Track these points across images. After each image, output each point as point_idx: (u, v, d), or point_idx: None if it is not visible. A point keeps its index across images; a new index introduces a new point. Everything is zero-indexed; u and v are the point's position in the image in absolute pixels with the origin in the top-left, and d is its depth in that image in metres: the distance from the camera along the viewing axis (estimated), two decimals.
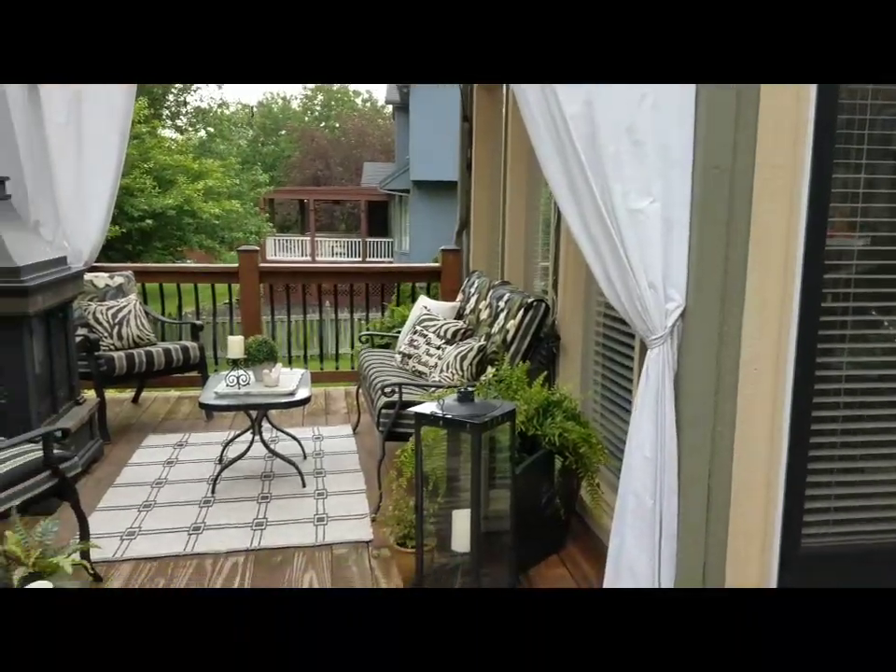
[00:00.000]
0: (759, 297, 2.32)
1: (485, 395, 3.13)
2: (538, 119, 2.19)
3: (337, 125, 36.53)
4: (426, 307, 4.48)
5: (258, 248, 5.68)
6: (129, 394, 5.62)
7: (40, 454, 2.73)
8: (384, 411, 3.46)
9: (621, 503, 2.36)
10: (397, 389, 3.42)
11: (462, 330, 4.21)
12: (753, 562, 2.44)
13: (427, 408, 2.66)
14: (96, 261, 5.54)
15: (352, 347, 6.08)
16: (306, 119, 37.85)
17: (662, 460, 2.27)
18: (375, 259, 26.71)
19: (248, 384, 3.93)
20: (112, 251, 14.81)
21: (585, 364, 3.51)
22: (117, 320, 4.90)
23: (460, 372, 3.56)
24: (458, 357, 3.58)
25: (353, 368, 6.14)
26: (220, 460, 4.19)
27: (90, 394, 4.52)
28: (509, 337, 3.51)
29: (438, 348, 4.03)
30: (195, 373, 5.10)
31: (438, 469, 2.85)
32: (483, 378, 3.59)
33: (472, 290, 4.48)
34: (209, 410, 3.70)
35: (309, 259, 26.52)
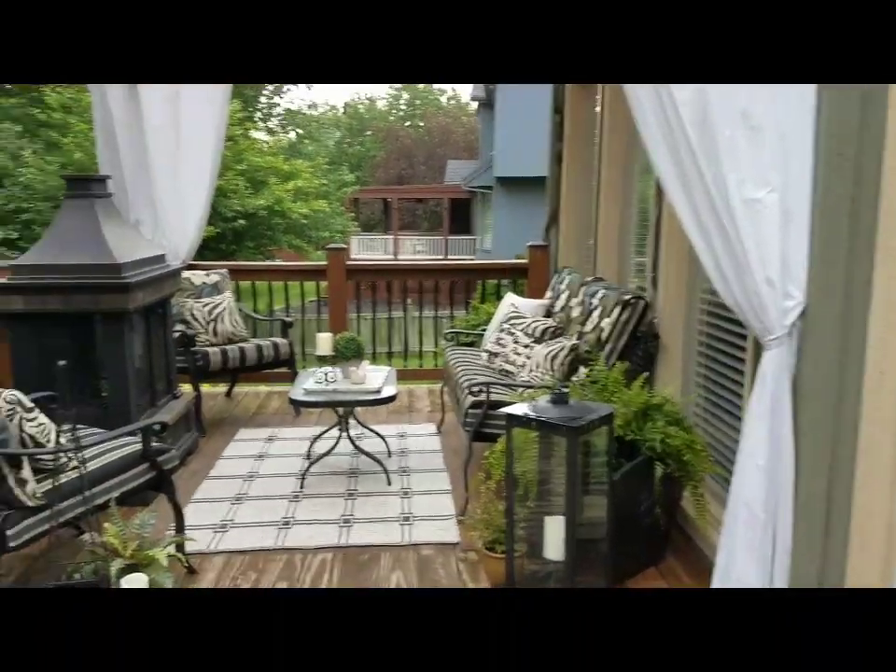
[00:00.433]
0: (886, 294, 2.11)
1: (580, 396, 3.01)
2: (644, 104, 2.07)
3: (421, 124, 36.81)
4: (513, 305, 4.39)
5: (345, 246, 5.74)
6: (222, 388, 5.77)
7: (139, 446, 2.80)
8: (470, 410, 3.39)
9: (730, 515, 2.20)
10: (484, 389, 3.35)
11: (551, 329, 4.08)
12: (874, 585, 2.23)
13: (519, 409, 2.57)
14: (193, 259, 5.74)
15: (435, 345, 6.05)
16: (391, 118, 38.31)
17: (776, 470, 2.10)
18: (457, 257, 26.80)
19: (336, 380, 3.94)
20: (207, 250, 15.35)
21: (686, 365, 3.33)
22: (212, 317, 5.03)
23: (551, 372, 3.45)
24: (549, 357, 3.47)
25: (436, 366, 6.12)
26: (308, 455, 4.23)
27: (186, 388, 4.66)
28: (604, 336, 3.37)
29: (526, 347, 3.92)
30: (285, 369, 5.18)
31: (528, 473, 2.75)
32: (574, 378, 3.46)
33: (562, 287, 4.35)
34: (298, 406, 3.73)
35: (391, 257, 26.85)
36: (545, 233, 5.91)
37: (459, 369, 4.03)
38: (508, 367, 3.97)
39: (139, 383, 3.83)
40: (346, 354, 3.95)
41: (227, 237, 15.52)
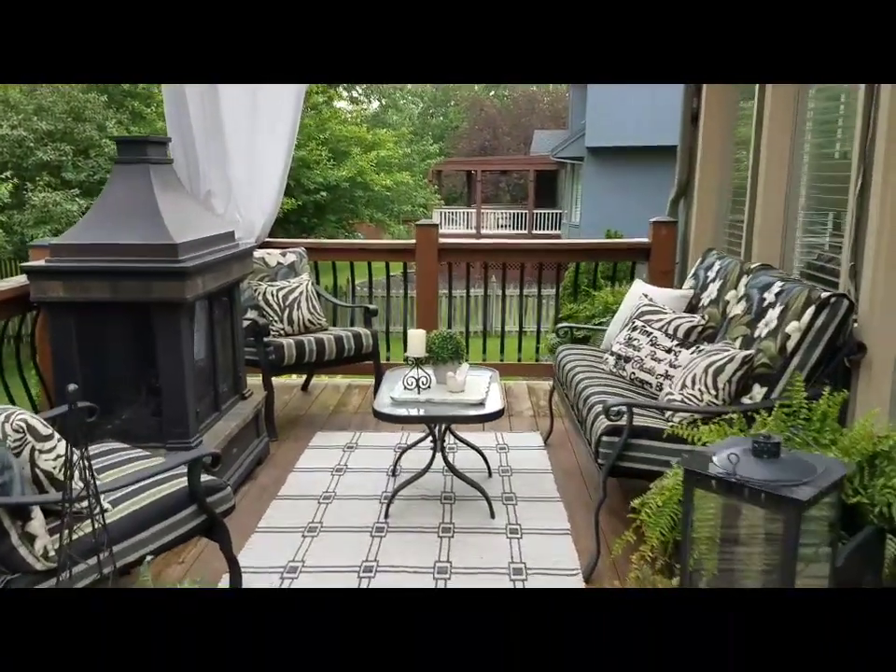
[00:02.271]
0: None
1: (785, 441, 2.19)
2: None
3: (506, 93, 35.58)
4: (645, 295, 3.56)
5: (436, 223, 5.02)
6: (298, 380, 5.20)
7: (184, 484, 2.18)
8: (605, 438, 2.62)
9: None
10: (626, 411, 2.57)
11: (699, 329, 3.25)
12: None
13: (701, 461, 1.80)
14: (269, 237, 5.15)
15: (519, 325, 5.25)
16: (476, 88, 37.20)
17: None
18: (542, 233, 25.74)
19: (429, 386, 3.25)
20: (288, 224, 15.02)
21: None
22: (287, 303, 4.42)
23: (713, 391, 2.63)
24: (711, 370, 2.65)
25: (537, 360, 5.35)
26: (394, 471, 3.57)
27: (256, 381, 4.08)
28: (790, 345, 2.52)
29: (668, 351, 3.11)
30: (367, 363, 4.53)
31: (703, 541, 1.98)
32: (745, 400, 2.64)
33: (711, 275, 3.49)
34: (384, 419, 3.04)
35: (474, 231, 26.07)
36: (671, 207, 5.01)
37: (581, 377, 3.25)
38: (643, 375, 3.16)
39: (199, 384, 3.24)
40: (443, 355, 3.24)
41: (308, 210, 15.10)
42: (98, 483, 2.06)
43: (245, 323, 4.14)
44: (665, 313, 3.39)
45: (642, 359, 3.19)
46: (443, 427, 3.21)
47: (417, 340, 3.21)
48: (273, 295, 4.42)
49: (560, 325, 3.99)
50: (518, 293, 5.29)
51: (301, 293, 4.50)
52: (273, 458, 3.85)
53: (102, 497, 2.03)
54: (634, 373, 3.21)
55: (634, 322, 3.38)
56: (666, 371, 3.06)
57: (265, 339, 4.13)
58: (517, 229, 26.55)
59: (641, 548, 2.13)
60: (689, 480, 1.77)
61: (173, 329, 2.97)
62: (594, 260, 5.09)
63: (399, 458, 3.61)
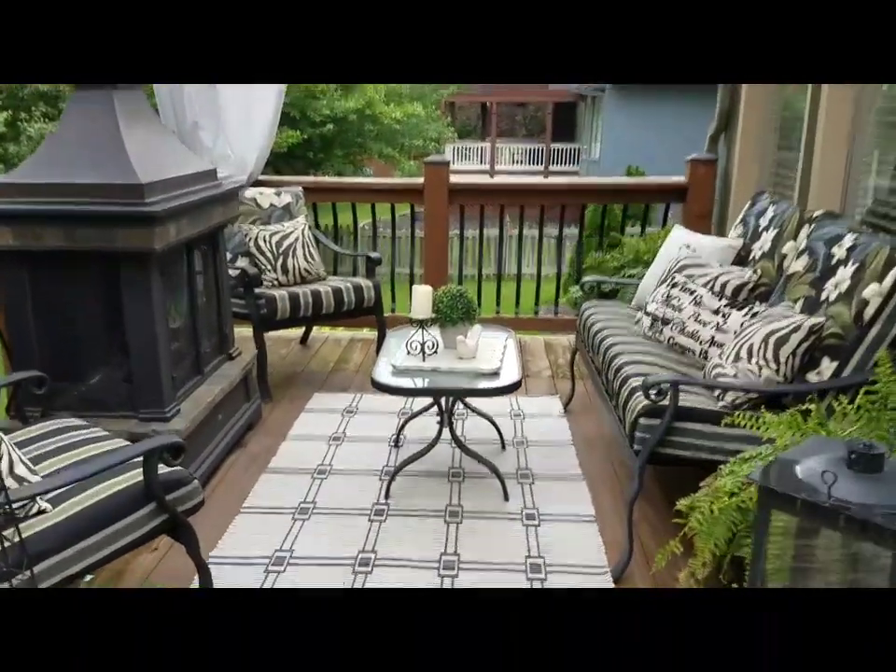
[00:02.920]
0: None
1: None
2: None
3: None
4: (687, 246, 3.11)
5: (447, 159, 4.53)
6: (297, 332, 4.81)
7: (139, 478, 1.81)
8: (643, 421, 2.23)
9: None
10: (669, 389, 2.16)
11: (750, 286, 2.82)
12: None
13: (780, 473, 1.41)
14: (263, 173, 4.69)
15: (538, 265, 4.80)
16: None
17: None
18: (559, 169, 24.87)
19: (436, 351, 2.85)
20: (293, 159, 14.39)
21: None
22: (282, 249, 4.00)
23: (773, 365, 2.22)
24: (773, 340, 2.23)
25: (556, 312, 4.93)
26: (397, 441, 3.22)
27: (245, 334, 3.70)
28: (868, 313, 2.09)
29: (715, 312, 2.68)
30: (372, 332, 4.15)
31: (770, 559, 1.61)
32: (811, 377, 2.22)
33: (763, 222, 3.03)
34: (385, 392, 2.66)
35: (488, 167, 25.24)
36: (710, 143, 4.49)
37: (612, 341, 2.84)
38: (684, 341, 2.75)
39: (177, 346, 2.87)
40: (452, 316, 2.83)
41: (314, 144, 14.42)
42: (35, 476, 1.70)
43: (234, 273, 3.74)
44: (710, 266, 2.96)
45: (684, 322, 2.77)
46: (451, 399, 2.83)
47: (423, 298, 2.80)
48: (265, 240, 4.00)
49: (585, 278, 3.55)
50: (537, 234, 4.82)
51: (296, 239, 4.07)
52: (266, 423, 3.50)
53: (39, 496, 1.67)
54: (673, 338, 2.80)
55: (673, 277, 2.94)
56: (713, 337, 2.64)
57: (256, 290, 3.73)
58: (533, 164, 25.65)
59: (690, 562, 1.77)
60: (766, 499, 1.38)
61: (141, 283, 2.58)
62: (622, 202, 4.60)
63: (403, 427, 3.25)
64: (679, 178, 4.44)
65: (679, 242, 3.24)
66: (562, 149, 25.20)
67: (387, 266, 4.96)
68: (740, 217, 3.30)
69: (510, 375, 2.68)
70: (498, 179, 5.04)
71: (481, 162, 25.78)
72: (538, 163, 25.52)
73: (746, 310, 2.61)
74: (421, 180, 4.51)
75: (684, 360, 2.70)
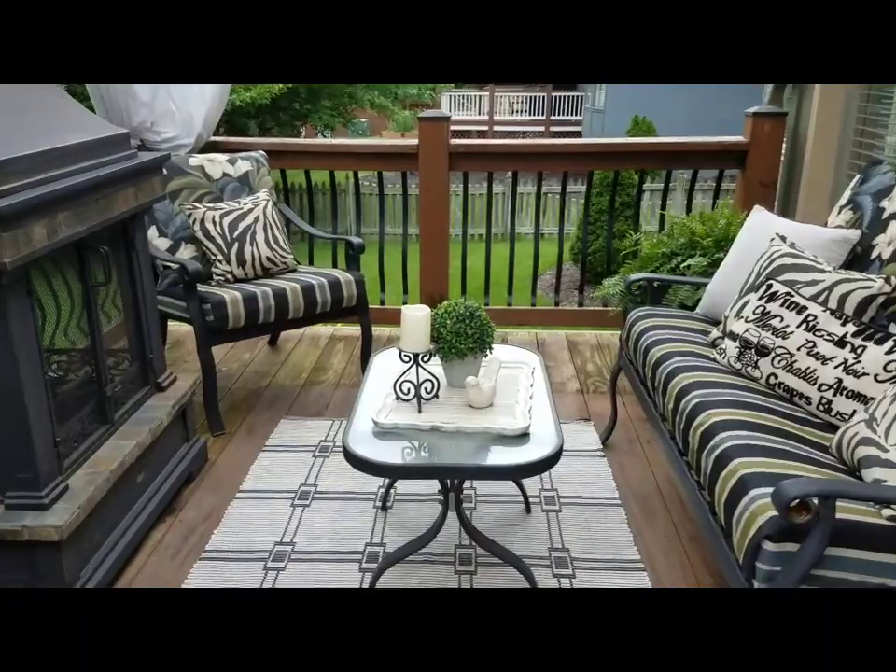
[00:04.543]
0: None
1: None
2: None
3: None
4: (781, 237, 2.23)
5: (447, 115, 3.59)
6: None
7: None
8: (770, 546, 1.39)
9: None
10: (819, 506, 1.32)
11: (880, 300, 1.97)
12: None
13: None
14: (222, 134, 3.76)
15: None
16: None
17: None
18: (561, 118, 23.65)
19: (437, 395, 2.01)
20: (277, 111, 13.30)
21: None
22: (237, 233, 3.12)
23: None
24: None
25: (580, 302, 4.06)
26: (384, 503, 2.40)
27: (189, 346, 2.87)
28: None
29: (841, 344, 1.83)
30: (356, 328, 3.29)
31: None
32: None
33: (890, 207, 2.15)
34: (363, 469, 1.80)
35: (486, 118, 24.02)
36: (773, 94, 3.57)
37: (685, 381, 1.99)
38: (794, 383, 1.90)
39: (64, 390, 2.03)
40: (458, 347, 1.98)
41: (300, 94, 13.30)
42: None
43: (172, 268, 2.87)
44: (819, 269, 2.09)
45: (791, 354, 1.91)
46: (460, 481, 1.97)
47: (417, 324, 1.93)
48: (215, 223, 3.11)
49: (634, 276, 2.66)
50: (559, 193, 3.90)
51: (256, 219, 3.19)
52: (212, 471, 2.67)
53: None
54: (775, 376, 1.95)
55: (769, 284, 2.07)
56: (840, 382, 1.80)
57: (201, 290, 2.86)
58: (533, 115, 24.42)
59: None
60: None
61: None
62: (662, 168, 3.69)
63: (393, 483, 2.43)
64: (738, 138, 3.52)
65: (766, 229, 2.36)
66: (563, 98, 23.92)
67: (372, 227, 4.02)
68: (846, 196, 2.42)
69: (546, 438, 1.83)
70: (510, 140, 4.16)
71: (479, 112, 24.51)
72: (538, 113, 24.28)
73: (890, 344, 1.76)
74: (415, 141, 3.59)
75: (797, 412, 1.86)
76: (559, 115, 23.78)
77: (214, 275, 3.08)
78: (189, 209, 3.12)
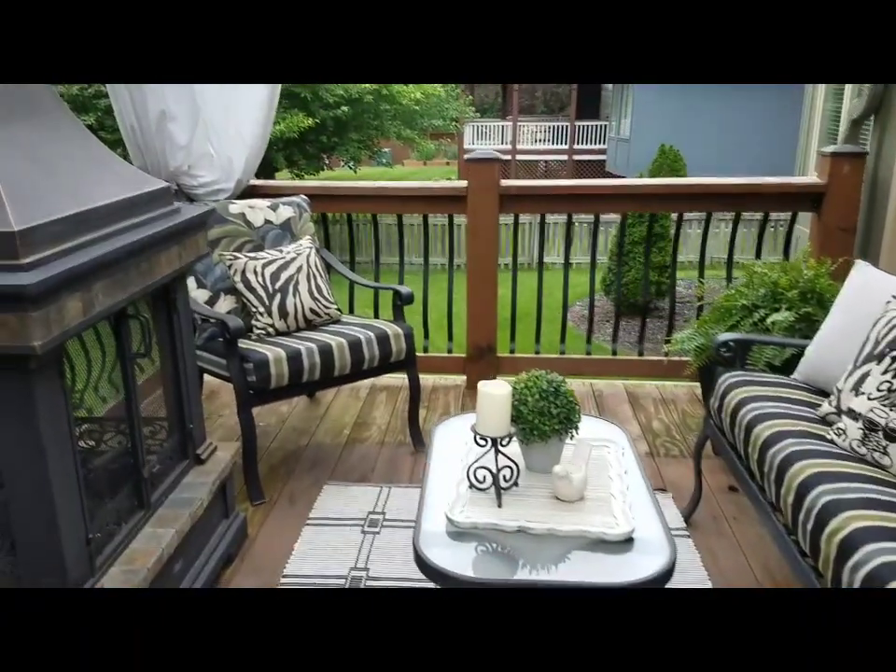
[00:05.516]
0: None
1: None
2: None
3: None
4: None
5: (498, 157, 3.39)
6: None
7: None
8: None
9: None
10: None
11: None
12: None
13: None
14: (257, 176, 3.59)
15: (615, 317, 3.62)
16: None
17: None
18: (584, 147, 23.56)
19: (516, 483, 1.77)
20: (305, 143, 13.27)
21: None
22: (279, 284, 2.92)
23: None
24: None
25: (640, 352, 3.80)
26: None
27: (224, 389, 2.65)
28: None
29: None
30: (398, 375, 3.06)
31: None
32: None
33: None
34: (438, 579, 1.55)
35: (510, 147, 23.97)
36: (851, 129, 3.33)
37: (801, 467, 1.72)
38: None
39: (95, 478, 1.81)
40: (542, 428, 1.74)
41: (328, 128, 13.25)
42: None
43: (210, 323, 2.67)
44: None
45: None
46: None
47: (495, 403, 1.69)
48: (256, 273, 2.91)
49: (724, 336, 2.39)
50: (591, 223, 3.68)
51: (299, 268, 2.98)
52: (252, 550, 2.43)
53: None
54: None
55: (895, 356, 1.81)
56: None
57: (241, 346, 2.65)
58: (556, 143, 24.37)
59: None
60: None
61: (14, 402, 1.50)
62: (735, 210, 3.44)
63: None
64: (813, 179, 3.28)
65: (874, 288, 2.11)
66: (586, 127, 23.84)
67: (414, 256, 3.79)
68: None
69: (655, 546, 1.57)
70: (564, 182, 3.96)
71: (502, 142, 24.49)
72: (561, 142, 24.22)
73: None
74: (463, 184, 3.38)
75: None
76: (583, 144, 23.69)
77: (254, 328, 2.88)
78: (230, 259, 2.93)
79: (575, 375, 3.70)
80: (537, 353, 3.82)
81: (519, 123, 24.87)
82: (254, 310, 2.90)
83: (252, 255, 2.96)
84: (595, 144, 23.50)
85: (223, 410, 3.43)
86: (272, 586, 2.22)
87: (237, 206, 3.12)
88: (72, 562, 1.61)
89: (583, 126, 23.91)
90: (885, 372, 1.81)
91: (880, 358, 1.86)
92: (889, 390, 1.78)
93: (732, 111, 16.28)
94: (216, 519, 2.30)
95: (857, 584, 1.40)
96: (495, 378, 3.47)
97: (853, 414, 1.83)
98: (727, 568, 2.25)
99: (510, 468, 1.75)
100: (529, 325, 3.84)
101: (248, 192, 3.41)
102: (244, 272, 2.91)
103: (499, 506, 1.70)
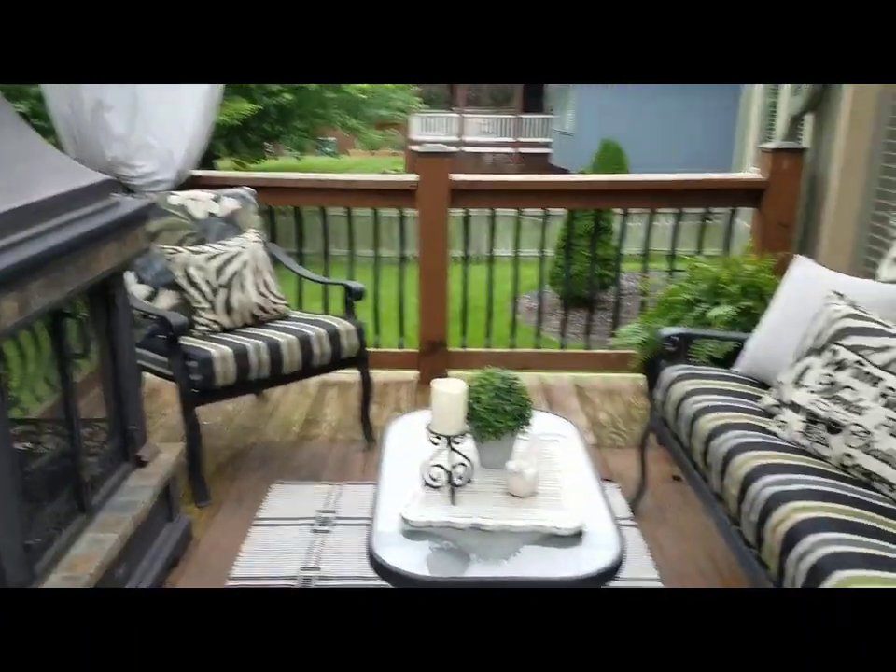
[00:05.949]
0: None
1: None
2: None
3: None
4: (838, 293, 2.04)
5: (449, 151, 3.37)
6: None
7: None
8: None
9: None
10: None
11: None
12: None
13: None
14: (199, 167, 3.49)
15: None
16: None
17: None
18: (529, 140, 23.75)
19: (470, 480, 1.77)
20: (248, 131, 13.00)
21: None
22: (224, 279, 2.85)
23: None
24: None
25: (587, 346, 3.86)
26: None
27: (167, 397, 2.58)
28: None
29: None
30: (350, 371, 3.03)
31: None
32: None
33: None
34: (395, 581, 1.54)
35: (456, 138, 23.96)
36: (791, 126, 3.43)
37: (747, 462, 1.77)
38: (876, 468, 1.70)
39: (32, 482, 1.74)
40: (496, 426, 1.75)
41: (270, 115, 13.02)
42: None
43: (151, 319, 2.58)
44: (890, 332, 1.90)
45: (869, 433, 1.71)
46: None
47: (450, 402, 1.69)
48: (199, 268, 2.83)
49: (667, 331, 2.44)
50: (540, 217, 3.69)
51: (245, 263, 2.92)
52: (198, 553, 2.37)
53: None
54: (850, 456, 1.75)
55: (834, 350, 1.88)
56: None
57: (184, 344, 2.58)
58: (502, 136, 24.49)
59: None
60: None
61: None
62: (677, 206, 3.51)
63: None
64: (752, 175, 3.37)
65: (815, 284, 2.18)
66: (532, 120, 24.06)
67: (364, 248, 3.74)
68: None
69: (604, 539, 1.59)
70: (511, 177, 3.99)
71: (448, 133, 24.47)
72: (507, 134, 24.36)
73: None
74: (413, 178, 3.36)
75: (880, 501, 1.65)
76: (528, 136, 23.87)
77: (197, 325, 2.80)
78: (171, 253, 2.84)
79: (525, 369, 3.72)
80: (488, 347, 3.83)
81: (466, 115, 24.91)
82: (197, 306, 2.82)
83: (195, 249, 2.88)
84: (541, 137, 23.70)
85: (166, 409, 3.34)
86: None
87: (178, 198, 3.03)
88: (10, 568, 1.54)
89: (529, 119, 24.10)
90: (826, 366, 1.88)
91: (820, 352, 1.93)
92: (830, 384, 1.84)
93: (672, 107, 16.63)
94: (159, 522, 2.24)
95: (801, 575, 1.45)
96: (446, 373, 3.47)
97: (795, 407, 1.90)
98: (673, 557, 2.30)
99: (464, 465, 1.75)
100: (480, 318, 3.85)
101: (190, 183, 3.31)
102: (186, 266, 2.83)
103: (453, 503, 1.70)
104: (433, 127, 24.76)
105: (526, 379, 3.60)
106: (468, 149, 23.86)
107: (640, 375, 3.29)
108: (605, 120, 16.79)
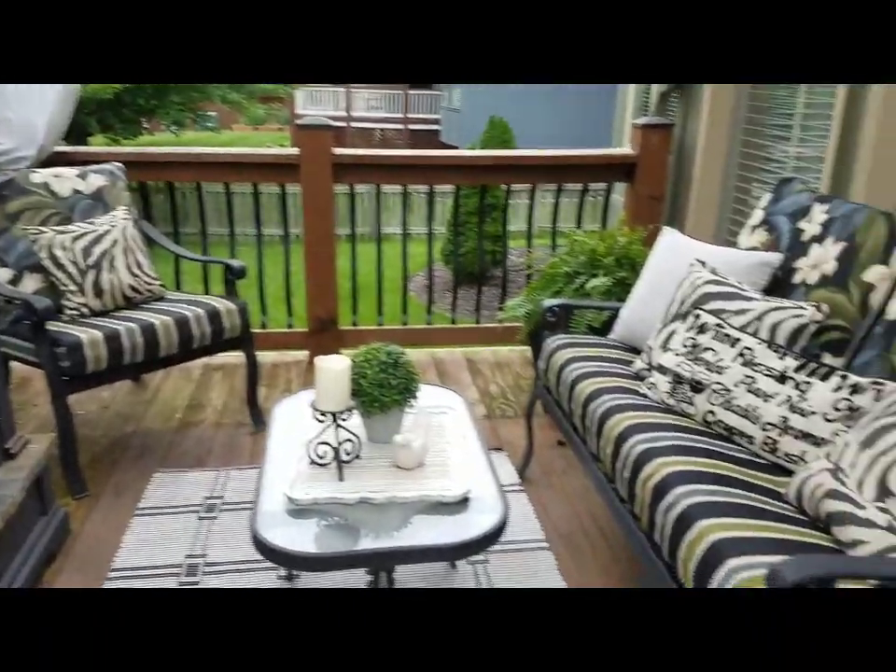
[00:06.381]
0: None
1: None
2: None
3: None
4: (701, 262, 2.18)
5: (330, 124, 3.31)
6: None
7: None
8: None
9: None
10: (815, 581, 1.22)
11: (810, 329, 1.95)
12: None
13: None
14: (65, 142, 3.26)
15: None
16: None
17: None
18: (418, 116, 23.69)
19: (358, 455, 1.77)
20: (122, 106, 12.25)
21: None
22: (92, 260, 2.69)
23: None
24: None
25: (477, 320, 3.93)
26: (289, 575, 2.12)
27: (38, 386, 2.43)
28: None
29: (781, 380, 1.78)
30: (235, 354, 2.94)
31: None
32: None
33: (810, 228, 2.15)
34: (279, 561, 1.53)
35: (344, 113, 23.57)
36: (659, 103, 3.59)
37: (622, 423, 1.87)
38: (735, 422, 1.83)
39: None
40: (383, 400, 1.75)
41: (146, 90, 12.31)
42: None
43: (14, 305, 2.41)
44: (746, 295, 2.05)
45: (729, 391, 1.85)
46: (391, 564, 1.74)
47: (334, 378, 1.68)
48: (65, 248, 2.66)
49: (549, 301, 2.52)
50: (426, 194, 3.72)
51: (114, 242, 2.76)
52: (76, 546, 2.25)
53: None
54: (713, 414, 1.87)
55: (697, 314, 2.00)
56: (785, 421, 1.74)
57: (51, 328, 2.42)
58: (391, 111, 24.29)
59: None
60: None
61: None
62: (555, 181, 3.61)
63: None
64: (625, 150, 3.52)
65: (680, 253, 2.31)
66: (420, 97, 23.97)
67: (245, 226, 3.63)
68: (758, 216, 2.41)
69: (488, 504, 1.64)
70: (396, 152, 3.97)
71: (335, 108, 24.00)
72: (396, 110, 24.18)
73: (839, 379, 1.72)
74: (295, 152, 3.28)
75: (740, 454, 1.79)
76: (416, 112, 23.79)
77: (66, 309, 2.64)
78: (35, 234, 2.65)
79: (417, 345, 3.75)
80: (380, 325, 3.82)
81: (353, 90, 24.48)
82: (64, 289, 2.65)
83: (60, 228, 2.70)
84: (430, 113, 23.69)
85: (36, 399, 3.14)
86: (99, 582, 2.08)
87: (40, 175, 2.82)
88: None
89: (417, 95, 24.00)
90: (689, 330, 2.00)
91: (684, 317, 2.05)
92: (694, 346, 1.96)
93: (558, 84, 17.03)
94: (32, 517, 2.11)
95: (669, 524, 1.55)
96: (338, 352, 3.43)
97: (662, 369, 2.01)
98: (557, 518, 2.40)
99: (351, 441, 1.75)
100: (371, 297, 3.83)
101: (54, 160, 3.09)
102: (51, 247, 2.65)
103: (341, 479, 1.70)
104: (320, 101, 24.19)
105: (419, 355, 3.71)
106: (356, 125, 23.54)
107: (526, 347, 3.39)
108: (490, 97, 16.96)
